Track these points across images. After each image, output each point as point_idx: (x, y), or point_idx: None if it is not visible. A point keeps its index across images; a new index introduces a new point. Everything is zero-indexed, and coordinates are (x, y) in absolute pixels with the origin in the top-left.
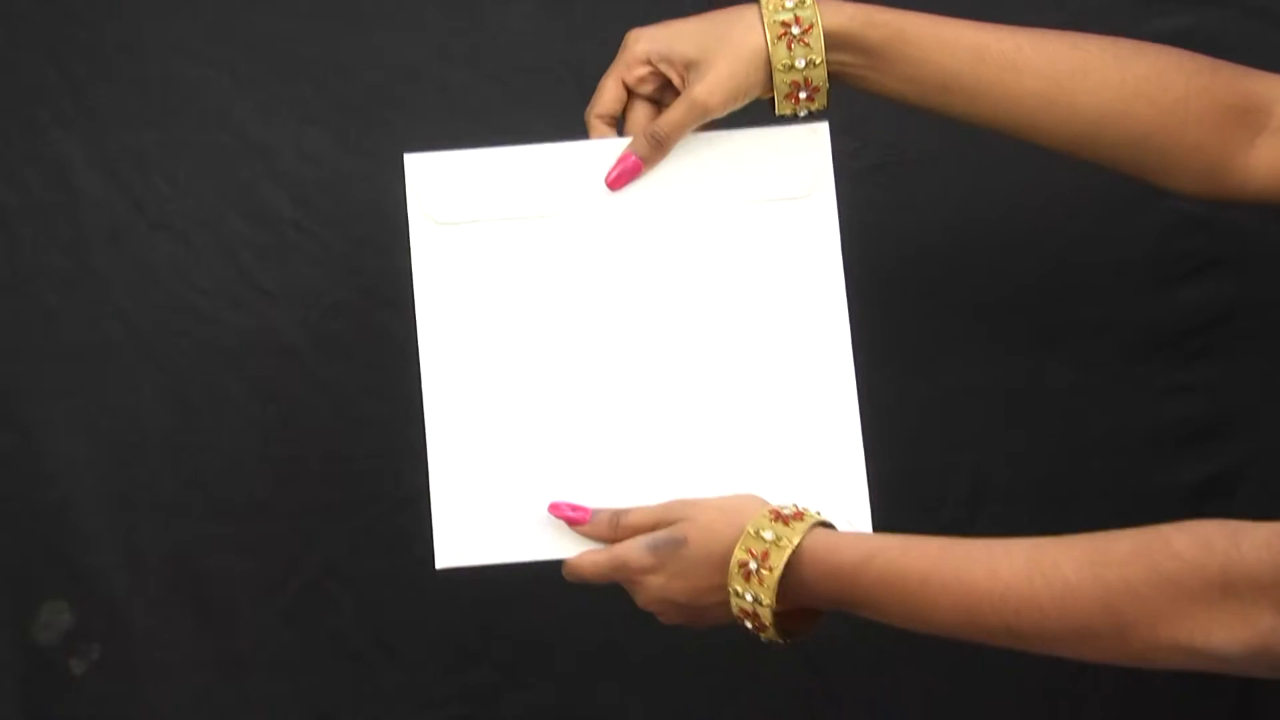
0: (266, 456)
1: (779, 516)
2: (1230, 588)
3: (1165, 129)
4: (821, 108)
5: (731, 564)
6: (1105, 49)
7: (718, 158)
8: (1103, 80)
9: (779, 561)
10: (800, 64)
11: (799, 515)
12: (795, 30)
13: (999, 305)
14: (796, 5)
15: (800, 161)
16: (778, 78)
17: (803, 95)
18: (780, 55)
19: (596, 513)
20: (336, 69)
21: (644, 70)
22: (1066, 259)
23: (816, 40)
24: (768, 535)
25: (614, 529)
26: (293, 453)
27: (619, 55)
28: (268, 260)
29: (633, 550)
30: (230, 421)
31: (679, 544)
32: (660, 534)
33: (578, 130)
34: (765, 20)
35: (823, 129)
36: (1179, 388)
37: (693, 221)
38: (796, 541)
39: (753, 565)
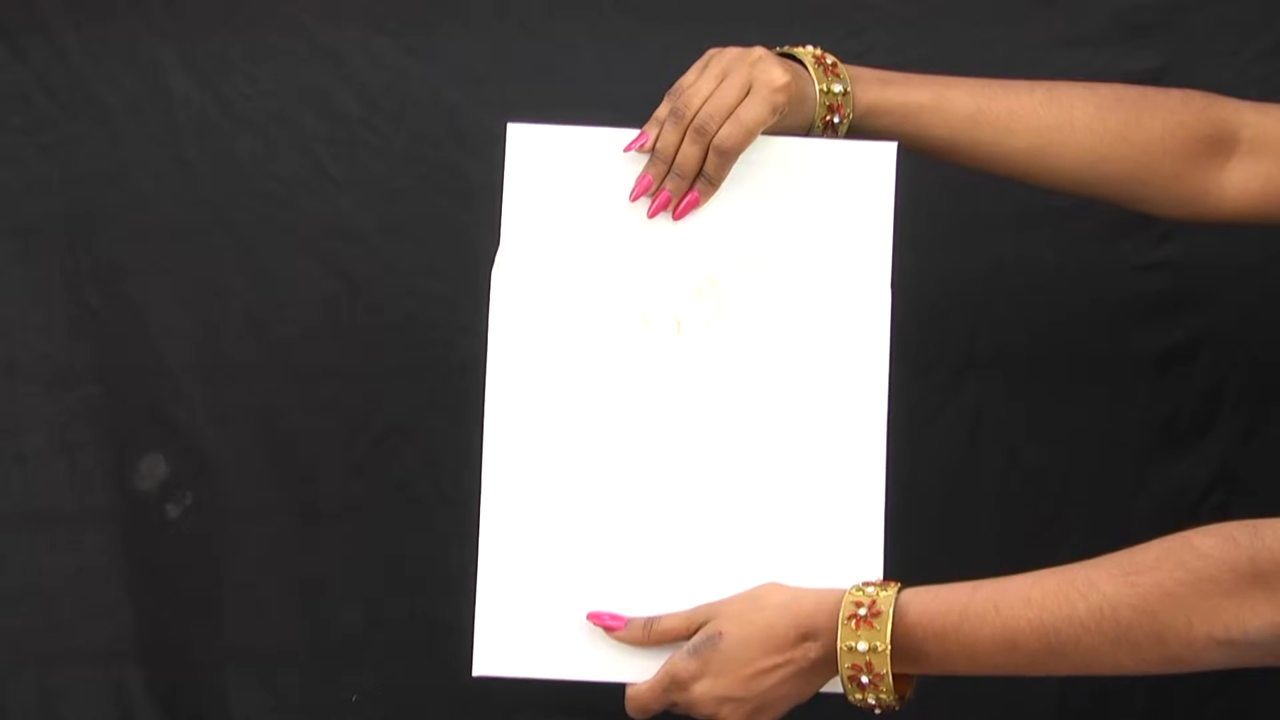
0: (338, 326)
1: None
2: (1259, 577)
3: (1145, 166)
4: None
5: (840, 619)
6: (1088, 100)
7: (781, 164)
8: (1087, 131)
9: (888, 605)
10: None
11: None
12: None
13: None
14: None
15: (862, 179)
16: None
17: None
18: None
19: (631, 620)
20: None
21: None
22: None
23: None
24: (870, 590)
25: (647, 633)
26: (360, 323)
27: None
28: (337, 152)
29: (677, 660)
30: (305, 295)
31: (716, 640)
32: (696, 638)
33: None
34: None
35: (890, 148)
36: (1150, 264)
37: (746, 252)
38: (898, 587)
39: (862, 612)
